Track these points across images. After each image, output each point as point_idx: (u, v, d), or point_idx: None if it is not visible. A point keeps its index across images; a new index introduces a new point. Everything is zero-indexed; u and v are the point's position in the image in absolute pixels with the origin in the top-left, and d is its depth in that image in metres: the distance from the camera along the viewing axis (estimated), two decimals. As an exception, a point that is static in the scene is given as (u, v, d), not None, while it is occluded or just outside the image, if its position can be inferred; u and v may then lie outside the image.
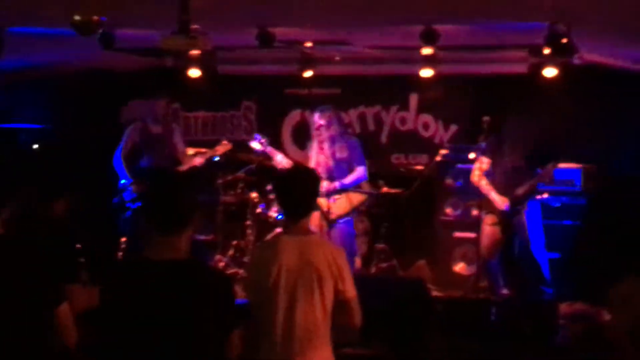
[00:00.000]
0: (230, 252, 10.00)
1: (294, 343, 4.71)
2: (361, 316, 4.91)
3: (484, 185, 8.60)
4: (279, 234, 5.10)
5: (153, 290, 3.73)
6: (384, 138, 11.31)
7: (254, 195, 9.88)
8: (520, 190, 8.51)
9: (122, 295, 3.76)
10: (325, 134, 8.96)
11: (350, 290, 4.85)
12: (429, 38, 7.95)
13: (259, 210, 9.74)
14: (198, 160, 9.51)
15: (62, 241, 4.39)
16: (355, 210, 9.15)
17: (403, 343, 7.50)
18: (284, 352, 4.72)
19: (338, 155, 9.00)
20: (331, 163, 8.93)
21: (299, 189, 4.91)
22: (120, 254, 9.37)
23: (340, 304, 4.83)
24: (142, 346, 3.72)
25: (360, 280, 5.11)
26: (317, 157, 9.00)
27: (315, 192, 5.02)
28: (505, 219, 8.59)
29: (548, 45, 7.33)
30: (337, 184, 8.90)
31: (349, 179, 8.92)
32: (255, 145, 9.30)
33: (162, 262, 3.77)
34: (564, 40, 7.12)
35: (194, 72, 10.47)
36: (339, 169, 8.95)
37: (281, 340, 4.71)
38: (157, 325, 3.70)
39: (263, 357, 4.66)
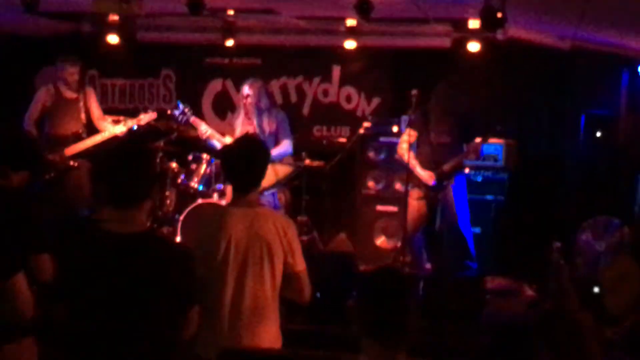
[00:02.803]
0: (149, 223, 9.75)
1: (242, 320, 4.58)
2: (310, 290, 4.83)
3: (410, 159, 8.55)
4: (226, 205, 4.94)
5: (114, 264, 3.60)
6: (305, 110, 11.17)
7: (173, 165, 9.63)
8: (447, 166, 8.51)
9: (82, 268, 3.62)
10: (253, 105, 8.83)
11: (300, 264, 4.74)
12: (363, 9, 7.83)
13: (179, 180, 9.50)
14: (120, 130, 9.22)
15: (22, 211, 4.18)
16: (279, 183, 9.03)
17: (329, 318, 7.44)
18: (232, 329, 4.58)
19: (265, 127, 8.88)
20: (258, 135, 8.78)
21: (248, 160, 4.77)
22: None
23: (289, 277, 4.72)
24: (98, 319, 3.61)
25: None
26: (243, 128, 8.85)
27: (265, 163, 4.89)
28: (431, 194, 8.60)
29: (482, 18, 7.28)
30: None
31: (275, 151, 8.76)
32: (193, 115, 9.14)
33: (123, 234, 3.64)
34: (499, 15, 7.08)
35: (113, 39, 10.20)
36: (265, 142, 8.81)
37: (229, 317, 4.57)
38: (116, 299, 3.59)
39: (209, 334, 4.47)
